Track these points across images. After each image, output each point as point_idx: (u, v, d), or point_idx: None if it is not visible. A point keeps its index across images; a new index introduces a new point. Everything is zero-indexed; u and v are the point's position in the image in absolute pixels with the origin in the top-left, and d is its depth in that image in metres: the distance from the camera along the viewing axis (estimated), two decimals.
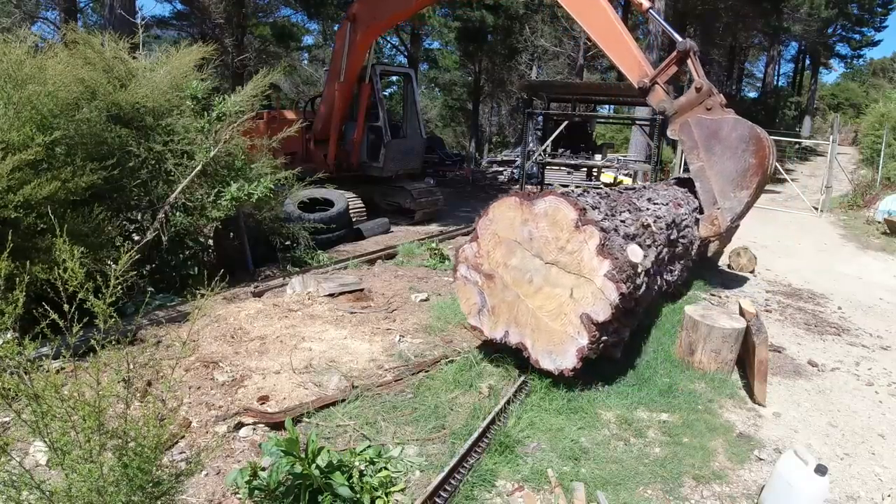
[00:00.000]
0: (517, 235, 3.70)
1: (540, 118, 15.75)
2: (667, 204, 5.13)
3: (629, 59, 6.16)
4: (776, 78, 41.05)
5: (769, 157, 5.28)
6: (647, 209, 4.68)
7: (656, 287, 4.47)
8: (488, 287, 3.84)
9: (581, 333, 3.39)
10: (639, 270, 3.61)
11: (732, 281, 6.78)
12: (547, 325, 3.56)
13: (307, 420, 3.14)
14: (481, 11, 20.00)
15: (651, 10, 6.35)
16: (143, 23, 7.19)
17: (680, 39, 5.83)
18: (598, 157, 14.02)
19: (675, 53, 5.87)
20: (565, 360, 3.47)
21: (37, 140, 3.99)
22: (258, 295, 5.31)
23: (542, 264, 3.59)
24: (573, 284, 3.45)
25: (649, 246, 4.13)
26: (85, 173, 4.28)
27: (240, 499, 2.47)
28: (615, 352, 3.74)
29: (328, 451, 2.43)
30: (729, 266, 7.34)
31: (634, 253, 3.56)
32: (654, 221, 4.45)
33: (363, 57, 9.47)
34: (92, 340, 1.87)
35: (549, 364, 3.55)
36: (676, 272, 5.13)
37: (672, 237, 4.84)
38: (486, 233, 3.85)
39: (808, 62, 38.32)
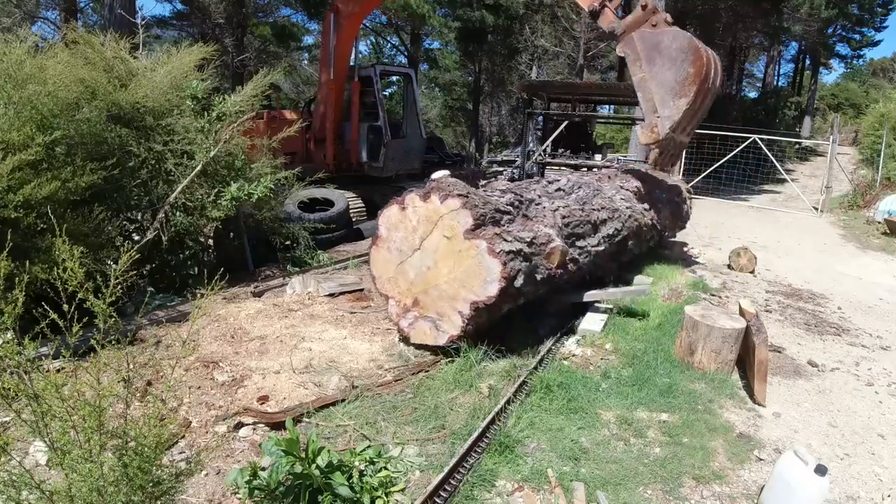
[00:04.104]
0: (397, 257, 4.19)
1: (540, 118, 15.75)
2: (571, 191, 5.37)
3: None
4: (776, 78, 41.06)
5: (707, 68, 5.36)
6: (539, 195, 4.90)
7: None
8: (422, 307, 4.06)
9: None
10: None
11: (733, 281, 6.78)
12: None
13: (307, 420, 3.14)
14: (481, 11, 20.01)
15: None
16: (144, 23, 7.20)
17: None
18: (598, 157, 14.02)
19: None
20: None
21: (37, 140, 3.99)
22: (258, 295, 5.31)
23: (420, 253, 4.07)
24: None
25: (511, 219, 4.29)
26: (85, 173, 4.28)
27: (240, 499, 2.47)
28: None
29: (328, 451, 2.43)
30: (729, 266, 7.34)
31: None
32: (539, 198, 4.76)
33: (349, 49, 9.44)
34: (92, 340, 1.87)
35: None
36: (596, 246, 5.22)
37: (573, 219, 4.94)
38: (389, 288, 4.29)
39: (808, 62, 38.30)
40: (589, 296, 4.99)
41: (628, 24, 5.72)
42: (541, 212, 4.60)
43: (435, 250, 3.97)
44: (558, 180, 5.61)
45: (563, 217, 4.77)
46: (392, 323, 4.26)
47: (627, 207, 5.89)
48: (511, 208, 4.27)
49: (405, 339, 4.18)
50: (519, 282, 3.83)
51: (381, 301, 5.20)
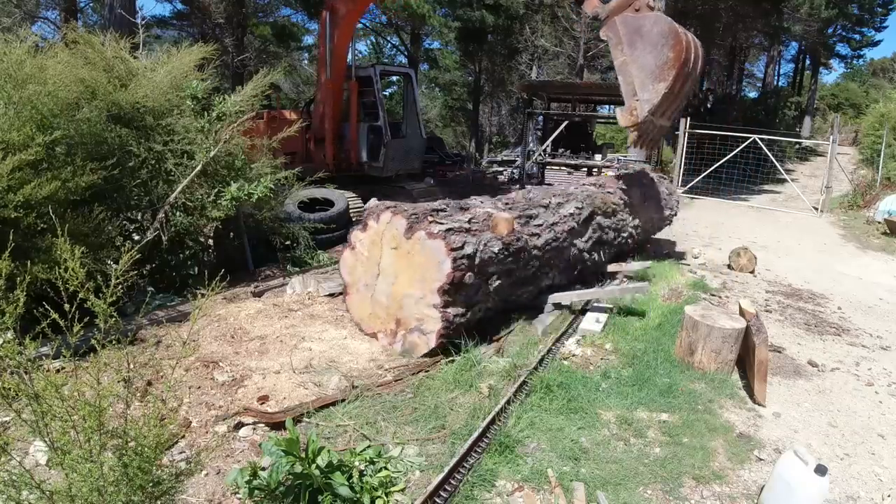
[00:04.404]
0: (367, 291, 4.36)
1: (540, 118, 15.76)
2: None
3: None
4: (776, 78, 41.09)
5: (687, 52, 5.41)
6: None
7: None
8: (404, 323, 4.15)
9: None
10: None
11: (733, 281, 6.78)
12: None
13: (307, 420, 3.14)
14: (481, 11, 20.01)
15: None
16: (144, 22, 7.20)
17: None
18: (598, 157, 14.03)
19: None
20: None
21: (37, 140, 3.99)
22: (258, 295, 5.31)
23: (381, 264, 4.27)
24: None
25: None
26: (85, 173, 4.28)
27: (240, 499, 2.47)
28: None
29: (328, 450, 2.43)
30: (729, 266, 7.34)
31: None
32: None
33: (346, 49, 9.44)
34: (92, 340, 1.87)
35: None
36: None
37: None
38: (373, 324, 4.35)
39: (808, 62, 38.31)
40: (586, 294, 5.00)
41: (612, 8, 5.76)
42: (479, 205, 4.77)
43: (391, 265, 4.19)
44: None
45: (505, 203, 4.98)
46: (392, 353, 4.24)
47: (583, 190, 6.10)
48: (445, 206, 4.43)
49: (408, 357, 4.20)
50: (468, 250, 3.95)
51: None
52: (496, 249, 4.21)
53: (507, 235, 4.34)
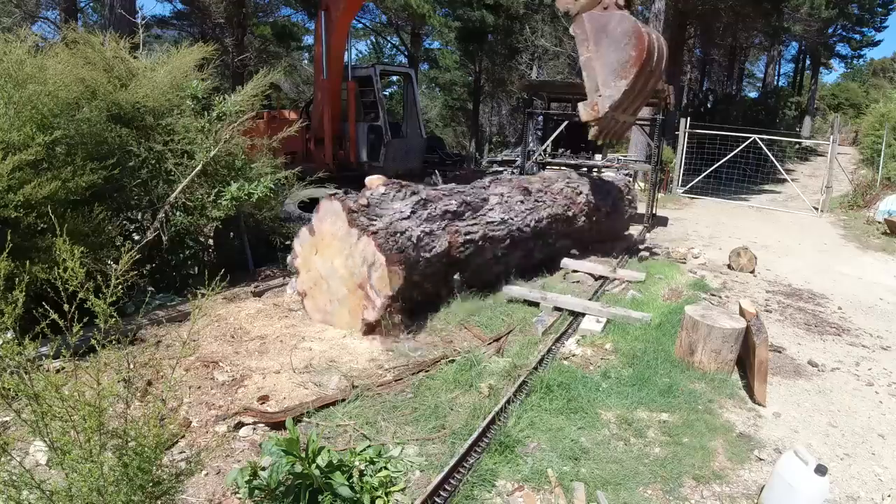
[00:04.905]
0: (325, 269, 4.56)
1: (540, 118, 15.74)
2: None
3: None
4: (776, 78, 41.11)
5: (649, 52, 5.55)
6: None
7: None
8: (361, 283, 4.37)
9: None
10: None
11: (733, 281, 6.78)
12: None
13: (307, 420, 3.14)
14: (481, 11, 20.02)
15: None
16: (144, 22, 7.20)
17: None
18: (598, 156, 14.00)
19: None
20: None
21: (37, 140, 3.99)
22: (258, 295, 5.31)
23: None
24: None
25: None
26: (85, 173, 4.28)
27: (240, 498, 2.47)
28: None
29: (328, 450, 2.43)
30: (729, 266, 7.34)
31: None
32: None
33: (343, 48, 9.44)
34: (92, 340, 1.87)
35: None
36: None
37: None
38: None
39: (808, 62, 38.32)
40: (583, 306, 5.01)
41: (582, 5, 5.87)
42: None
43: (324, 265, 4.53)
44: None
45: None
46: (370, 319, 4.39)
47: (508, 180, 6.61)
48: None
49: (380, 326, 4.34)
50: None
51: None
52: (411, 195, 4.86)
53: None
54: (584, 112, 5.90)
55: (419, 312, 4.71)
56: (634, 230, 9.50)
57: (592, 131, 6.19)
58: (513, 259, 5.85)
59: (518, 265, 5.99)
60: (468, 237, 5.13)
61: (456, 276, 5.06)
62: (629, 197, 8.54)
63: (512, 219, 5.79)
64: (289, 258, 4.91)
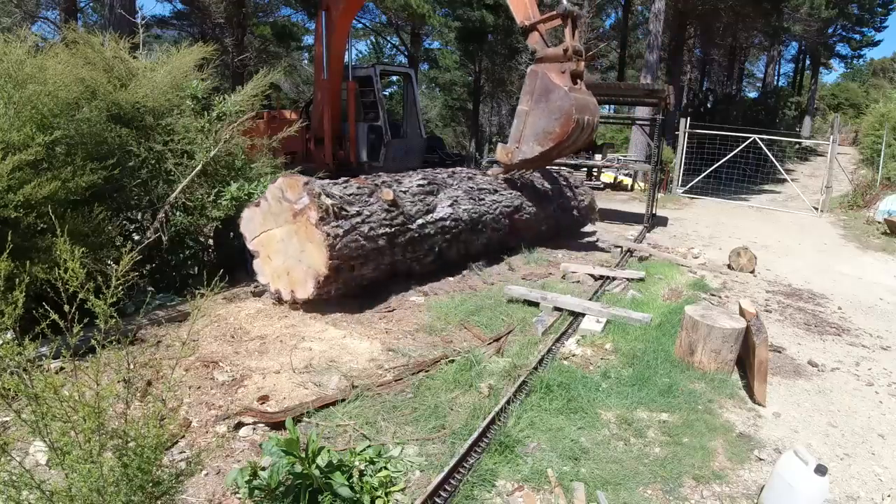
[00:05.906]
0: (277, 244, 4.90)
1: None
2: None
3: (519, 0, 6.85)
4: (776, 78, 41.14)
5: (571, 134, 6.13)
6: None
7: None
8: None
9: None
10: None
11: (733, 281, 6.78)
12: None
13: (307, 420, 3.14)
14: (481, 11, 20.02)
15: None
16: (144, 22, 7.19)
17: (565, 3, 6.45)
18: (598, 157, 14.01)
19: (555, 12, 6.48)
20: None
21: (37, 140, 3.99)
22: (258, 295, 5.30)
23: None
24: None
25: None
26: (85, 173, 4.27)
27: (240, 498, 2.47)
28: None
29: (328, 450, 2.43)
30: (729, 266, 7.35)
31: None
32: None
33: (343, 48, 9.45)
34: (92, 340, 1.87)
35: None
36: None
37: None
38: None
39: (808, 62, 38.35)
40: (584, 306, 5.00)
41: (547, 55, 6.36)
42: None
43: (281, 240, 4.90)
44: None
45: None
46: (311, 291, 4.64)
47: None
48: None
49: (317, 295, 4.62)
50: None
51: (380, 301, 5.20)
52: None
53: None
54: (500, 153, 6.61)
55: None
56: (634, 230, 9.50)
57: (496, 169, 6.99)
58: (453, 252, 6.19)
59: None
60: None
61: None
62: (578, 189, 8.81)
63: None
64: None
